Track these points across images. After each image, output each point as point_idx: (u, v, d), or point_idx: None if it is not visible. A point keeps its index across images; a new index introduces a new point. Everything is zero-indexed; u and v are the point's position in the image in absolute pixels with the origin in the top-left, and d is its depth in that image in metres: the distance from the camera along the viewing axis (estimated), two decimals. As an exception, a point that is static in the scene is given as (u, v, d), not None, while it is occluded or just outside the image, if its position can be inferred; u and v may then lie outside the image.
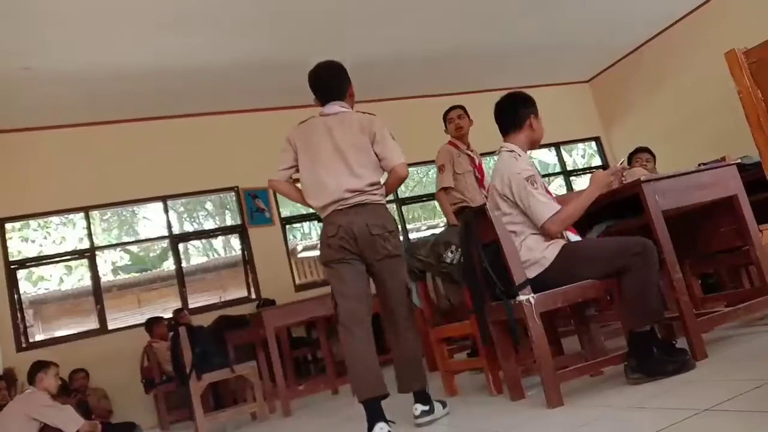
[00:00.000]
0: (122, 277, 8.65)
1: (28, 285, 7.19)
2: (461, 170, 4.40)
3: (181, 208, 9.01)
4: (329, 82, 2.93)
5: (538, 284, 2.52)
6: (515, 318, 2.50)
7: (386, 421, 2.61)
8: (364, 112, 2.90)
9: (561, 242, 2.60)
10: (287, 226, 7.57)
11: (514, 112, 2.89)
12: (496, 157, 2.89)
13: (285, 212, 7.67)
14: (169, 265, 7.55)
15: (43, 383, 4.07)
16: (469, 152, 4.44)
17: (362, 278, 2.75)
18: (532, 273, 2.54)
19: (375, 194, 2.75)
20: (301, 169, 2.83)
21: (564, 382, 2.45)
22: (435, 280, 3.25)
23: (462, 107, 4.50)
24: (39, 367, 4.16)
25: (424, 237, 3.48)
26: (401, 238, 2.98)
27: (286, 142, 2.88)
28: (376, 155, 2.77)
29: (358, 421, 3.54)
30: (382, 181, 2.84)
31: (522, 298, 2.44)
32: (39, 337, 6.61)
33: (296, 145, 2.83)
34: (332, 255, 2.72)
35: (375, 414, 2.63)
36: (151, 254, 9.33)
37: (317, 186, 2.76)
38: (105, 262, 7.92)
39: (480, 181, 4.32)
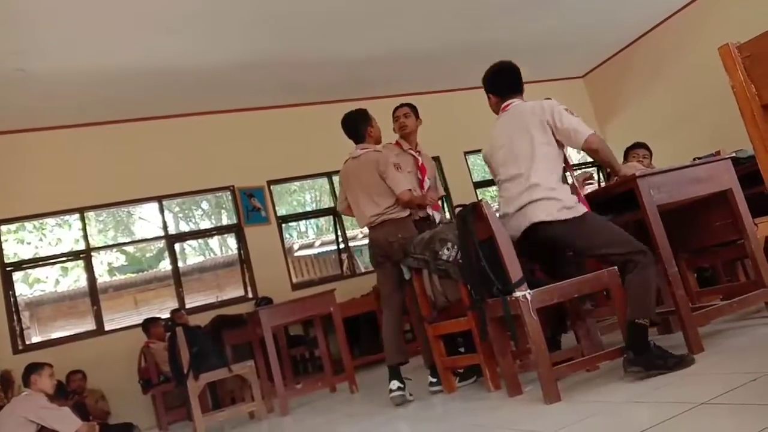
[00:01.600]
0: (118, 277, 8.65)
1: (24, 287, 7.18)
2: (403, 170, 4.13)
3: (177, 208, 9.01)
4: (350, 130, 3.84)
5: (556, 234, 2.62)
6: (512, 314, 2.51)
7: (401, 380, 3.41)
8: (376, 150, 3.76)
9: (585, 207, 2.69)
10: (283, 225, 7.57)
11: (518, 78, 3.21)
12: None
13: (281, 211, 7.67)
14: (165, 265, 7.55)
15: (38, 385, 4.06)
16: (412, 152, 4.16)
17: (391, 276, 3.61)
18: (563, 215, 2.60)
19: (392, 213, 3.65)
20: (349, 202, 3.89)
21: (561, 378, 2.46)
22: (431, 277, 3.24)
23: (410, 105, 4.27)
24: (33, 369, 4.14)
25: (420, 234, 3.45)
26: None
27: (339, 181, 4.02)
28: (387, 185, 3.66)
29: (356, 418, 3.55)
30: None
31: (518, 294, 2.44)
32: (35, 339, 6.61)
33: (343, 183, 3.91)
34: (372, 260, 3.77)
35: (393, 374, 3.45)
36: (147, 254, 9.33)
37: (357, 213, 3.83)
38: (101, 263, 7.92)
39: (420, 182, 4.06)
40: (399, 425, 2.99)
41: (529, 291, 2.45)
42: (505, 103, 3.01)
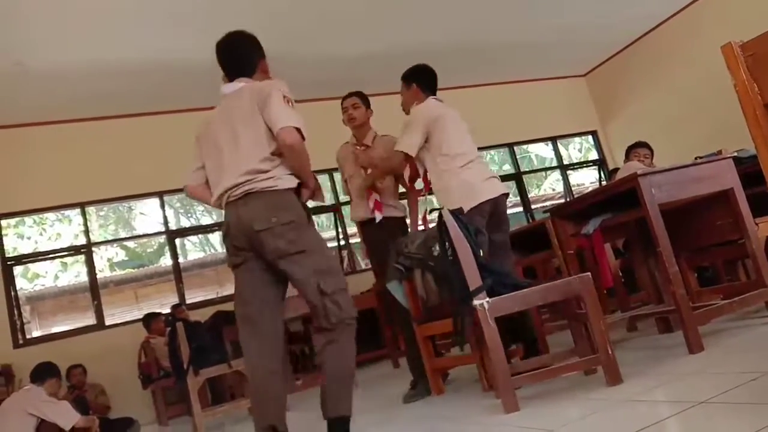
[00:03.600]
0: (119, 273, 8.65)
1: (25, 282, 7.19)
2: (348, 174, 3.78)
3: (178, 204, 9.00)
4: (235, 59, 2.59)
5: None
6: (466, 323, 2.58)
7: None
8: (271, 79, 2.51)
9: None
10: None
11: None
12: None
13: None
14: (166, 260, 7.55)
15: (51, 388, 4.14)
16: (358, 147, 3.71)
17: (261, 282, 2.37)
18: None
19: (266, 179, 2.30)
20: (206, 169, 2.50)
21: (519, 387, 2.44)
22: (425, 275, 3.21)
23: (359, 94, 3.74)
24: (53, 372, 4.27)
25: (415, 233, 3.42)
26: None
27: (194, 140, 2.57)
28: (266, 125, 2.32)
29: (355, 414, 3.53)
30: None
31: (476, 302, 2.38)
32: (36, 333, 6.62)
33: (200, 140, 2.54)
34: (230, 260, 2.40)
35: None
36: (148, 250, 9.34)
37: (213, 180, 2.44)
38: (101, 258, 7.92)
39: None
40: (398, 421, 2.99)
41: (487, 299, 2.37)
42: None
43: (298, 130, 2.28)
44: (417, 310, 3.26)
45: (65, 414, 3.99)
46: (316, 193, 2.49)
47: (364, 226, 3.72)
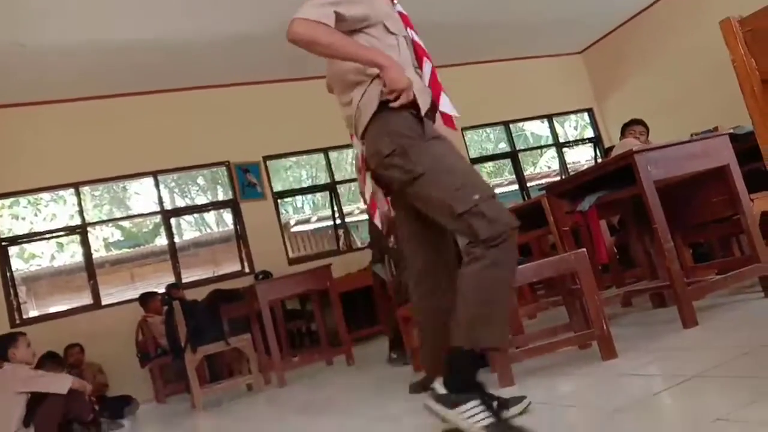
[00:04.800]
0: (115, 252, 8.65)
1: (20, 262, 7.17)
2: None
3: (173, 183, 8.97)
4: None
5: None
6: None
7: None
8: None
9: None
10: (279, 201, 7.55)
11: None
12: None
13: (277, 186, 7.66)
14: (161, 240, 7.54)
15: (17, 357, 3.98)
16: None
17: (411, 216, 2.08)
18: None
19: (352, 111, 2.06)
20: None
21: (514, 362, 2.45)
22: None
23: None
24: (7, 342, 4.03)
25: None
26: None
27: None
28: None
29: (353, 389, 3.58)
30: (361, 91, 2.02)
31: None
32: (33, 314, 6.62)
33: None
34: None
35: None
36: (144, 230, 9.32)
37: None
38: (97, 238, 7.90)
39: None
40: (395, 397, 3.02)
41: None
42: None
43: (305, 20, 1.91)
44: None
45: (57, 381, 3.91)
46: (390, 78, 1.88)
47: None
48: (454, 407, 1.71)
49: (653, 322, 3.09)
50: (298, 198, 9.71)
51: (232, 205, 7.28)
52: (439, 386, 1.76)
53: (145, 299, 6.13)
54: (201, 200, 9.16)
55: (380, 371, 3.88)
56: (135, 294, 6.43)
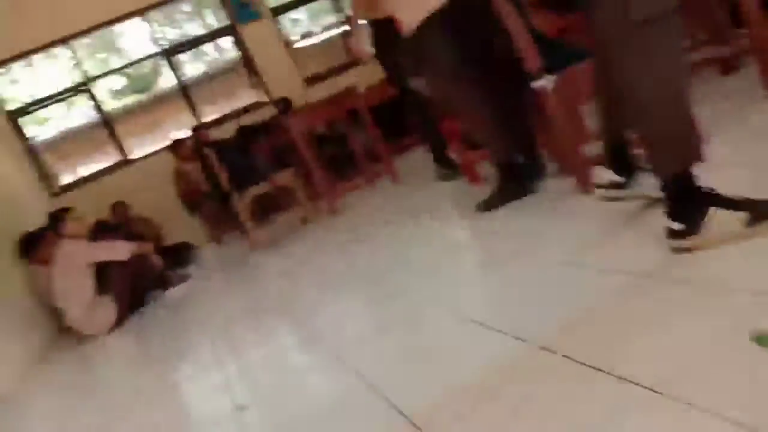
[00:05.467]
0: (126, 102, 8.35)
1: (36, 128, 6.97)
2: None
3: (164, 20, 8.34)
4: None
5: None
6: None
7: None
8: None
9: None
10: (278, 18, 7.01)
11: None
12: None
13: (272, 1, 7.06)
14: (167, 81, 7.20)
15: (68, 232, 4.02)
16: None
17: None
18: None
19: None
20: None
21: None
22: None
23: None
24: (54, 221, 4.06)
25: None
26: None
27: None
28: None
29: (408, 208, 3.53)
30: None
31: (539, 84, 2.11)
32: (66, 179, 6.58)
33: None
34: None
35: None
36: (145, 70, 8.90)
37: None
38: (101, 90, 7.59)
39: None
40: (458, 215, 2.97)
41: (549, 77, 2.10)
42: None
43: None
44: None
45: (116, 248, 4.01)
46: None
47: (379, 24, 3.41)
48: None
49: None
50: (291, 12, 9.02)
51: (231, 31, 6.80)
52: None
53: (175, 146, 6.02)
54: (192, 29, 8.56)
55: (431, 188, 3.81)
56: (157, 141, 6.32)
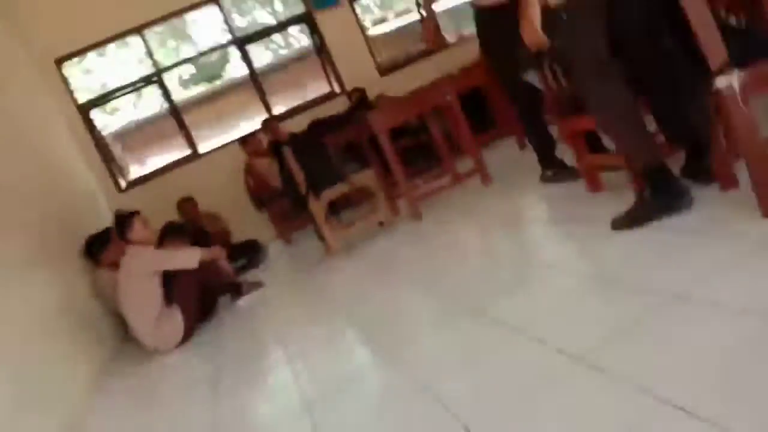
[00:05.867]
0: (195, 92, 8.20)
1: (105, 117, 6.86)
2: None
3: (232, 6, 8.13)
4: None
5: None
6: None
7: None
8: None
9: None
10: (355, 3, 6.64)
11: None
12: None
13: (348, -13, 6.70)
14: (238, 71, 6.97)
15: (136, 238, 3.73)
16: None
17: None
18: None
19: None
20: None
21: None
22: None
23: None
24: (123, 224, 3.74)
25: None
26: None
27: None
28: None
29: (502, 212, 3.09)
30: None
31: (721, 83, 1.67)
32: (133, 171, 6.43)
33: None
34: None
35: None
36: (213, 58, 8.73)
37: None
38: (171, 79, 7.44)
39: None
40: (582, 228, 2.54)
41: (738, 74, 1.64)
42: None
43: None
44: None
45: (184, 256, 3.71)
46: None
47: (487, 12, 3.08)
48: None
49: None
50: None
51: (306, 18, 6.48)
52: None
53: (245, 140, 5.77)
54: (263, 19, 8.32)
55: (533, 191, 3.38)
56: (227, 135, 6.09)
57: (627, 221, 2.16)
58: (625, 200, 2.27)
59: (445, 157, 4.55)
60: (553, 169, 3.27)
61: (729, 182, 2.10)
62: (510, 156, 4.75)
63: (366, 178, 4.09)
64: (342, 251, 4.01)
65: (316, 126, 5.33)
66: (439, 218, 3.83)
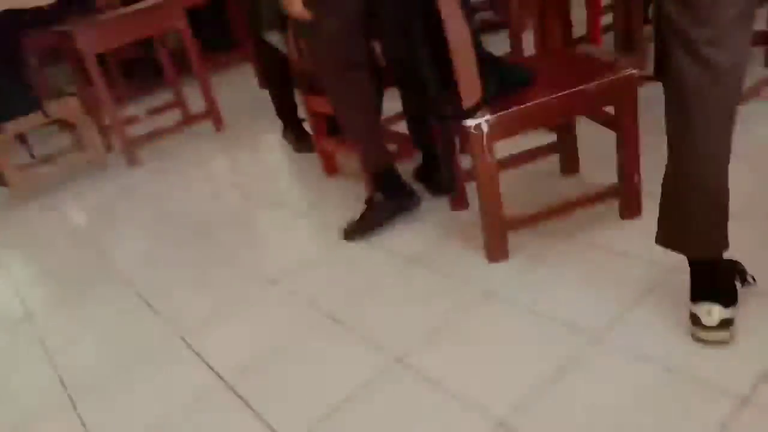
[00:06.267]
0: None
1: None
2: None
3: None
4: None
5: None
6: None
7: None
8: None
9: None
10: None
11: None
12: None
13: None
14: None
15: None
16: None
17: None
18: None
19: None
20: None
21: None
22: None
23: None
24: None
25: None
26: None
27: None
28: None
29: (235, 155, 2.76)
30: None
31: (471, 122, 1.53)
32: None
33: None
34: None
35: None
36: None
37: None
38: None
39: None
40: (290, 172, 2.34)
41: (486, 118, 1.53)
42: None
43: None
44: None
45: None
46: None
47: None
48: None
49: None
50: None
51: None
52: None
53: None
54: None
55: (266, 151, 3.08)
56: None
57: (359, 229, 2.07)
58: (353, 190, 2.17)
59: (170, 80, 3.86)
60: (295, 133, 2.98)
61: (460, 204, 2.06)
62: (249, 90, 4.30)
63: (68, 109, 3.32)
64: (38, 198, 3.30)
65: (9, 23, 4.15)
66: (161, 164, 3.33)
